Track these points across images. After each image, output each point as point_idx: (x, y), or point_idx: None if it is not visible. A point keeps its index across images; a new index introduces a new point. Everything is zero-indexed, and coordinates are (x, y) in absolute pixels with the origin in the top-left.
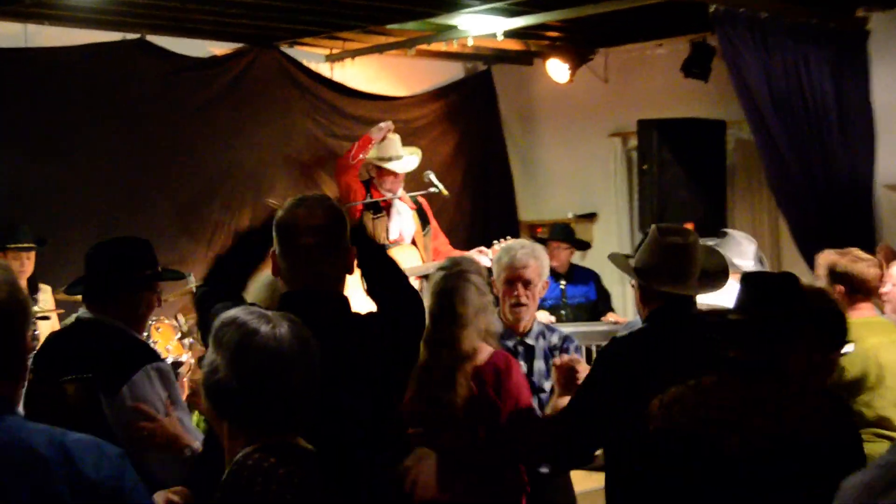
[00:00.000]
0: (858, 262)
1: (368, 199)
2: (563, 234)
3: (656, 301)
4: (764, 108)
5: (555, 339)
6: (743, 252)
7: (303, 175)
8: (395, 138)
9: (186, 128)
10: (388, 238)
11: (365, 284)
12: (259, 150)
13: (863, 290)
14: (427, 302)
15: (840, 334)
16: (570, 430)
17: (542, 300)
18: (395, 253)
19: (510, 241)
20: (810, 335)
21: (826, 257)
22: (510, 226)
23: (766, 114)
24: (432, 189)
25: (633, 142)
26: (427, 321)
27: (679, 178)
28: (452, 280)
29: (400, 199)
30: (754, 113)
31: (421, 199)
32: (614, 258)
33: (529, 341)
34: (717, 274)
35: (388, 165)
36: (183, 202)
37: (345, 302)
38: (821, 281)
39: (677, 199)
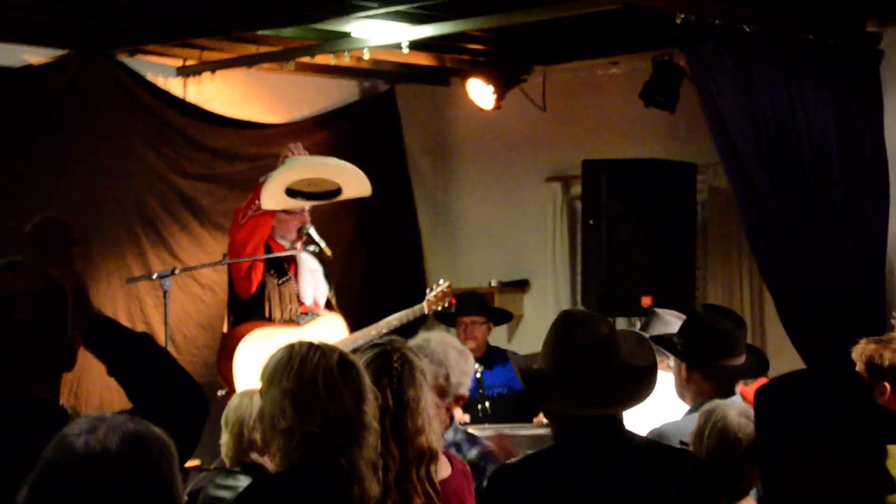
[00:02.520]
0: None
1: (268, 255)
2: (473, 305)
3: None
4: (744, 147)
5: (473, 455)
6: None
7: (146, 226)
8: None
9: None
10: (298, 309)
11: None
12: (84, 191)
13: None
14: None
15: None
16: None
17: None
18: (316, 327)
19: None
20: None
21: (864, 349)
22: (415, 295)
23: (747, 155)
24: (311, 247)
25: (577, 188)
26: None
27: (635, 237)
28: (395, 359)
29: (321, 253)
30: (732, 154)
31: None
32: (513, 358)
33: None
34: (642, 378)
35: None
36: None
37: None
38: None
39: (632, 263)
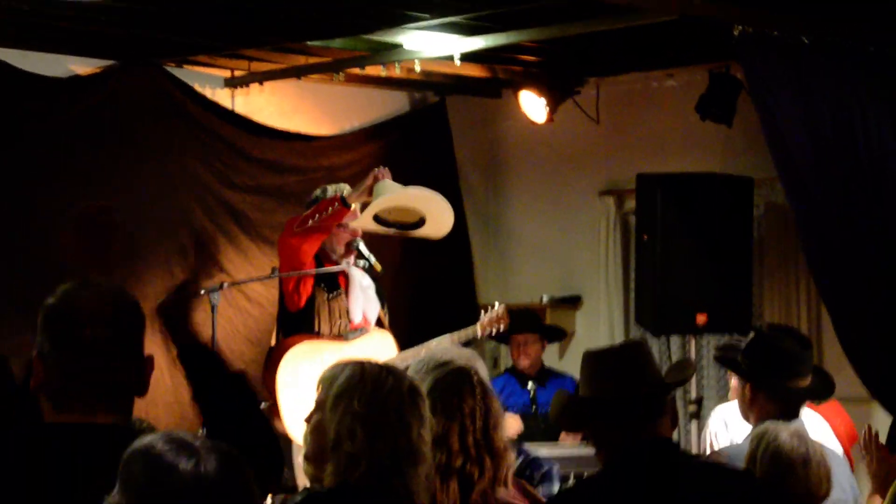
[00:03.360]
0: None
1: (318, 270)
2: (529, 322)
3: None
4: (803, 163)
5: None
6: None
7: (194, 240)
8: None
9: (28, 171)
10: (348, 324)
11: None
12: (131, 205)
13: None
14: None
15: None
16: None
17: (505, 408)
18: (362, 345)
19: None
20: None
21: None
22: (466, 311)
23: (806, 171)
24: (360, 261)
25: (631, 202)
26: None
27: (690, 253)
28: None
29: (370, 268)
30: (790, 169)
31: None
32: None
33: None
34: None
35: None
36: (20, 274)
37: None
38: None
39: (687, 280)
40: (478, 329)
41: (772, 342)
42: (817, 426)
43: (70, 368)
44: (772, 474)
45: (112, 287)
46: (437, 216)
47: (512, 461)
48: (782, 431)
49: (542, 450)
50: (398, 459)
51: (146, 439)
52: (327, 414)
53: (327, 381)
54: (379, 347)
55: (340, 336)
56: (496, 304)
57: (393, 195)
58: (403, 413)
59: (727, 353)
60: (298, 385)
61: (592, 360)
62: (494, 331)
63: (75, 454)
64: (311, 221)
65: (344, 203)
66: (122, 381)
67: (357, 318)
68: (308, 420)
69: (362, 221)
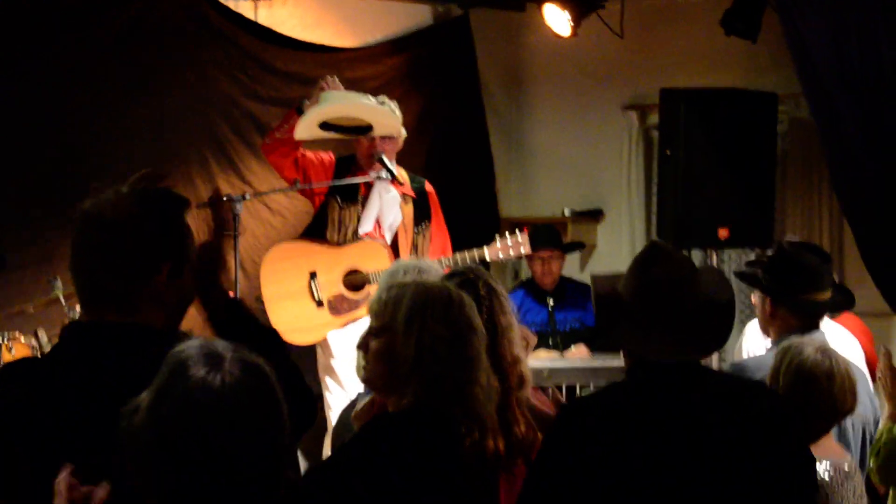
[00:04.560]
0: None
1: (337, 182)
2: (548, 238)
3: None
4: (828, 79)
5: None
6: None
7: (217, 151)
8: (339, 89)
9: (59, 86)
10: (356, 232)
11: None
12: (155, 117)
13: None
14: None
15: None
16: None
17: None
18: (348, 252)
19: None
20: None
21: None
22: (488, 224)
23: (832, 87)
24: (383, 174)
25: (655, 117)
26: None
27: (713, 168)
28: (480, 286)
29: (392, 181)
30: (815, 85)
31: (429, 188)
32: (594, 281)
33: None
34: (723, 315)
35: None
36: (52, 185)
37: (153, 339)
38: None
39: (709, 194)
40: (486, 252)
41: (792, 257)
42: (843, 339)
43: (78, 272)
44: (795, 388)
45: (149, 195)
46: (382, 122)
47: (522, 372)
48: (807, 346)
49: (554, 362)
50: (472, 371)
51: (187, 344)
52: (400, 337)
53: (390, 304)
54: (364, 255)
55: (337, 243)
56: (517, 230)
57: (332, 106)
58: (473, 326)
59: (749, 269)
60: (277, 282)
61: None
62: (513, 254)
63: (84, 351)
64: (278, 134)
65: (298, 111)
66: (124, 286)
67: (367, 227)
68: (363, 346)
69: (305, 130)
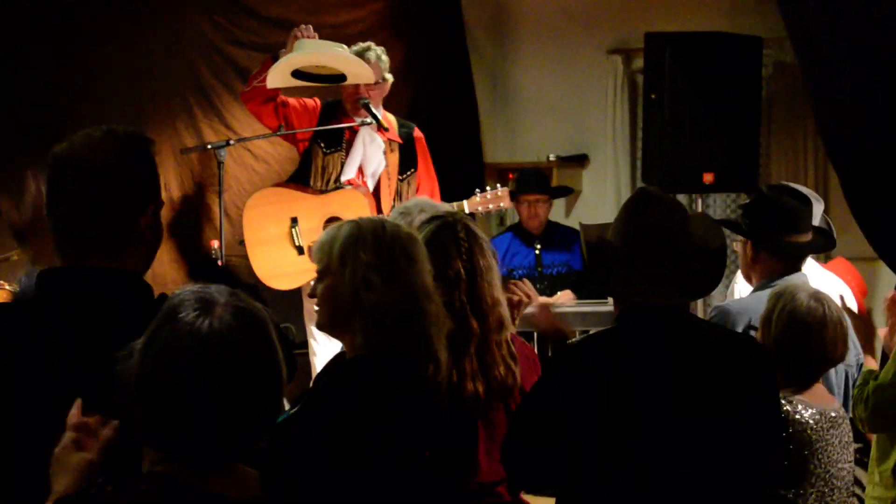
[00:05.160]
0: None
1: (320, 128)
2: (535, 182)
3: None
4: (814, 21)
5: None
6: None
7: (200, 96)
8: (314, 38)
9: (36, 32)
10: (338, 179)
11: None
12: (136, 62)
13: None
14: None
15: None
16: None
17: (510, 270)
18: (328, 199)
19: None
20: None
21: None
22: (473, 170)
23: (818, 30)
24: (367, 120)
25: (639, 61)
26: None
27: (698, 112)
28: (459, 230)
29: (379, 129)
30: (800, 28)
31: (418, 134)
32: (583, 230)
33: None
34: (713, 261)
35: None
36: (32, 133)
37: (137, 288)
38: None
39: (694, 139)
40: (465, 205)
41: (771, 200)
42: (833, 286)
43: (57, 218)
44: (787, 335)
45: (120, 135)
46: (355, 71)
47: (501, 315)
48: (800, 292)
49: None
50: (411, 305)
51: (184, 288)
52: (336, 275)
53: (327, 245)
54: (345, 203)
55: (320, 190)
56: (498, 186)
57: (304, 54)
58: (410, 255)
59: (732, 217)
60: (259, 228)
61: (634, 211)
62: (492, 208)
63: (66, 296)
64: (255, 82)
65: (274, 59)
66: (107, 231)
67: (350, 174)
68: (313, 293)
69: (277, 78)
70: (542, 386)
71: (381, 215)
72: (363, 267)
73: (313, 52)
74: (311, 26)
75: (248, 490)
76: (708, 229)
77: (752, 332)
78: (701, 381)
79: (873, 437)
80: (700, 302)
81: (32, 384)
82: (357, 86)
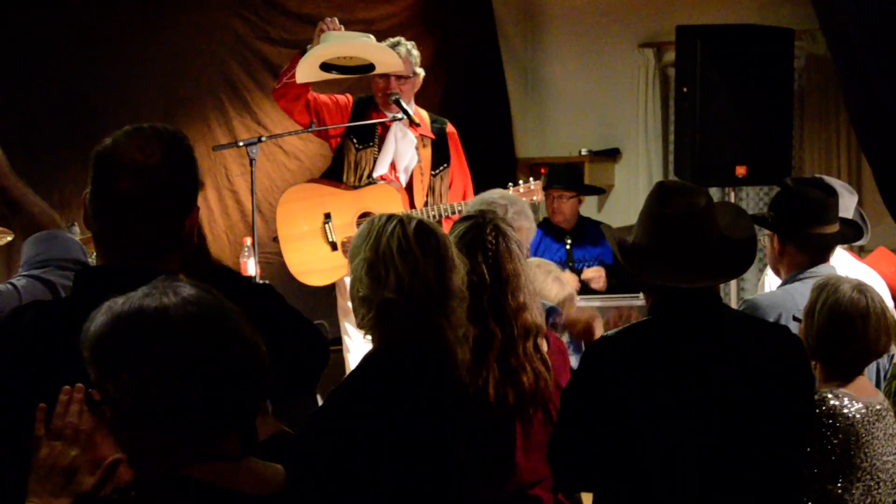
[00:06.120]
0: None
1: (353, 123)
2: (565, 178)
3: (658, 289)
4: (846, 13)
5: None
6: (843, 207)
7: (231, 94)
8: (339, 30)
9: (67, 31)
10: (370, 175)
11: None
12: (169, 60)
13: None
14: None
15: None
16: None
17: None
18: (360, 195)
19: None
20: None
21: None
22: (504, 165)
23: (849, 22)
24: (398, 115)
25: (671, 55)
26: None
27: (729, 105)
28: (488, 232)
29: (410, 125)
30: (832, 20)
31: (450, 129)
32: (607, 231)
33: None
34: (740, 250)
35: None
36: (64, 132)
37: None
38: None
39: (726, 132)
40: None
41: (796, 192)
42: (866, 278)
43: (103, 218)
44: (829, 327)
45: (166, 135)
46: (383, 60)
47: (527, 321)
48: (843, 284)
49: (582, 302)
50: (415, 300)
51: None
52: (351, 273)
53: (348, 252)
54: (377, 198)
55: (353, 186)
56: (531, 180)
57: (331, 46)
58: (408, 253)
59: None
60: (292, 223)
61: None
62: (526, 201)
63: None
64: (285, 78)
65: (303, 55)
66: (156, 232)
67: (382, 170)
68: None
69: (306, 72)
70: (581, 382)
71: (413, 210)
72: (360, 263)
73: (340, 43)
74: (336, 19)
75: (265, 485)
76: (737, 216)
77: (795, 325)
78: (739, 372)
79: None
80: (734, 296)
81: (71, 382)
82: (388, 81)
